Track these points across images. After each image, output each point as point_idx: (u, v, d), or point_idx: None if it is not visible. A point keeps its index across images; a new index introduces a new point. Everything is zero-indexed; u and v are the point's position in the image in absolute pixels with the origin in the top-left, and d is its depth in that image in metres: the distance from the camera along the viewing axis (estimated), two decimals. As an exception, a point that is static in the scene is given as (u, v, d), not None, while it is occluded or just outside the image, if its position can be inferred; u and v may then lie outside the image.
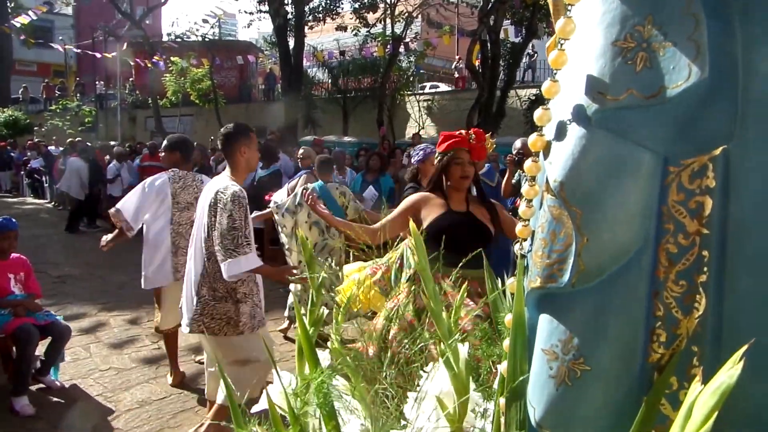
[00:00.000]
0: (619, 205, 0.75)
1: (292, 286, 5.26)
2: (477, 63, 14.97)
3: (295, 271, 3.43)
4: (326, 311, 1.25)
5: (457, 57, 21.79)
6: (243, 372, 3.21)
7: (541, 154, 0.85)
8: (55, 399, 4.18)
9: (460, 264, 1.55)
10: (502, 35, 14.98)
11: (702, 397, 0.59)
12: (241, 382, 3.13)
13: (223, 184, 3.23)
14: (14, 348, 4.11)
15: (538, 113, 0.83)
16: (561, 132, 0.80)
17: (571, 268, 0.78)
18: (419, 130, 16.58)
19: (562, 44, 0.80)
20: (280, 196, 6.47)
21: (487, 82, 14.21)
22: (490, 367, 1.19)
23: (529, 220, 0.88)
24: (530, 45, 17.27)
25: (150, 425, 3.79)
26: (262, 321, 3.35)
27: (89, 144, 14.05)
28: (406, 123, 18.80)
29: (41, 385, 4.26)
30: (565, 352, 0.79)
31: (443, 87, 21.81)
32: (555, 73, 0.81)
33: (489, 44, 14.35)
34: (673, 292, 0.75)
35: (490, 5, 13.60)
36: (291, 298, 5.40)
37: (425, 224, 2.73)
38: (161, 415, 3.92)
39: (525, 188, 0.86)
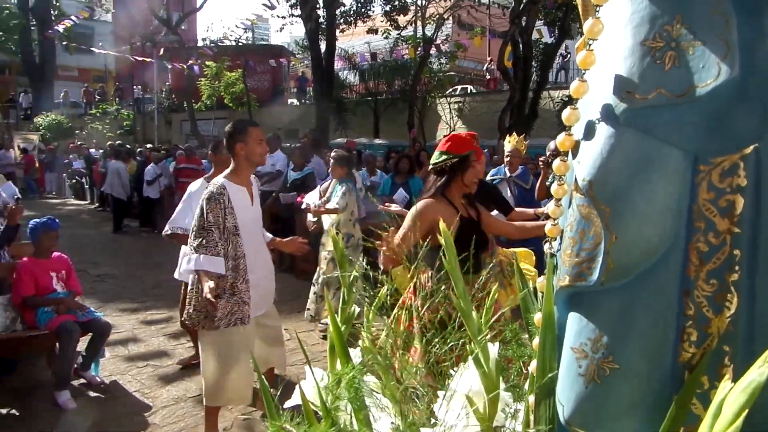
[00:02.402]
0: (648, 204, 0.75)
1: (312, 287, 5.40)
2: (509, 64, 14.86)
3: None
4: (357, 309, 1.28)
5: (488, 58, 21.65)
6: (218, 368, 3.28)
7: (570, 153, 0.86)
8: (94, 394, 4.30)
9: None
10: (535, 36, 14.84)
11: (732, 395, 0.59)
12: (215, 379, 3.28)
13: (213, 182, 3.31)
14: (57, 344, 4.25)
15: (566, 113, 0.84)
16: (589, 131, 0.81)
17: (600, 267, 0.78)
18: (450, 132, 16.54)
19: (590, 44, 0.80)
20: (312, 198, 6.55)
21: (519, 83, 14.10)
22: (521, 368, 1.19)
23: (558, 219, 0.89)
24: (563, 45, 17.06)
25: (185, 422, 3.87)
26: (244, 319, 3.27)
27: (139, 148, 14.44)
28: (437, 125, 18.77)
29: (82, 381, 4.39)
30: (594, 351, 0.79)
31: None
32: (583, 73, 0.82)
33: (521, 45, 14.24)
34: (704, 291, 0.74)
35: (521, 6, 13.49)
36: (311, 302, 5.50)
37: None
38: (196, 412, 4.00)
39: (554, 187, 0.87)
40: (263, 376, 1.19)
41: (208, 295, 2.95)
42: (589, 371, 0.80)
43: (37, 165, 18.59)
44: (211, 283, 2.97)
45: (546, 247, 0.93)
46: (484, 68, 22.20)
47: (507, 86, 15.28)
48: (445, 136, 2.95)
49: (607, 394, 0.79)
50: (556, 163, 0.86)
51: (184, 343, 5.34)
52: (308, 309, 5.57)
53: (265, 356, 3.64)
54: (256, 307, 3.38)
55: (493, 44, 20.91)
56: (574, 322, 0.84)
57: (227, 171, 3.37)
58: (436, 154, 2.88)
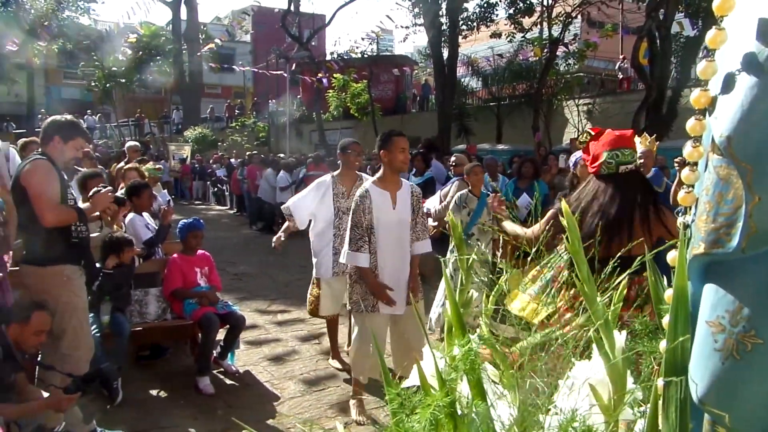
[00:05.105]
0: None
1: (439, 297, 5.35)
2: (645, 62, 13.88)
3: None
4: (475, 294, 1.26)
5: (621, 56, 20.41)
6: (356, 346, 3.86)
7: (706, 113, 0.78)
8: (230, 382, 4.65)
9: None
10: (676, 29, 13.73)
11: None
12: (355, 356, 3.83)
13: (362, 186, 3.80)
14: (199, 333, 4.65)
15: (701, 65, 0.76)
16: (728, 84, 0.73)
17: (741, 232, 0.70)
18: (578, 136, 15.77)
19: (729, -14, 0.72)
20: (432, 203, 6.58)
21: (656, 81, 13.11)
22: (653, 364, 1.10)
23: (693, 186, 0.81)
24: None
25: (310, 413, 4.05)
26: (374, 308, 3.71)
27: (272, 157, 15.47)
28: (564, 128, 18.00)
29: (220, 369, 4.76)
30: (733, 324, 0.71)
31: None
32: (721, 20, 0.74)
33: (658, 40, 13.25)
34: None
35: (659, -2, 12.55)
36: (435, 312, 5.41)
37: None
38: (320, 405, 4.18)
39: (688, 150, 0.79)
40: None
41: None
42: (727, 346, 0.72)
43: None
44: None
45: (680, 219, 0.85)
46: (616, 67, 20.94)
47: (642, 85, 14.29)
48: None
49: (747, 371, 0.70)
50: (691, 122, 0.78)
51: (310, 340, 5.60)
52: (431, 317, 5.53)
53: (399, 360, 3.90)
54: (385, 305, 3.68)
55: (626, 41, 19.68)
56: (710, 293, 0.76)
57: (376, 176, 3.82)
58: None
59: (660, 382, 0.80)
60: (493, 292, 1.18)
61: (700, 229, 0.77)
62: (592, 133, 2.79)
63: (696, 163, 0.80)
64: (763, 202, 0.69)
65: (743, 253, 0.71)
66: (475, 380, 0.90)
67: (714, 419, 0.75)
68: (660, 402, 0.80)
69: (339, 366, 4.83)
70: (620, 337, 1.02)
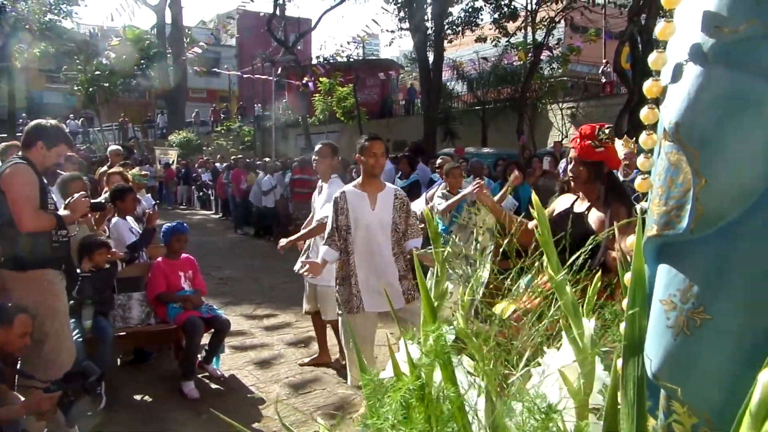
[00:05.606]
0: (741, 143, 0.70)
1: None
2: (627, 66, 14.08)
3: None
4: (451, 287, 1.28)
5: (604, 61, 20.67)
6: (346, 350, 3.96)
7: (658, 102, 0.81)
8: (215, 386, 4.63)
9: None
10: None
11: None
12: (350, 364, 3.81)
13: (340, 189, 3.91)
14: (184, 338, 4.62)
15: (652, 57, 0.80)
16: (677, 74, 0.77)
17: (690, 214, 0.74)
18: (562, 139, 15.95)
19: (676, -19, 0.76)
20: (418, 206, 6.60)
21: (638, 85, 13.30)
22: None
23: (648, 173, 0.85)
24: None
25: (296, 416, 4.05)
26: (358, 309, 3.67)
27: (258, 161, 15.40)
28: (548, 132, 18.18)
29: (205, 373, 4.74)
30: (683, 302, 0.74)
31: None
32: (670, 13, 0.78)
33: (640, 45, 13.45)
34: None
35: (641, 2, 12.74)
36: None
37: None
38: (306, 408, 4.18)
39: (642, 138, 0.83)
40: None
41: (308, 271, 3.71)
42: (678, 322, 0.75)
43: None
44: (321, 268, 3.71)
45: (638, 206, 0.89)
46: (599, 71, 21.19)
47: (624, 89, 14.49)
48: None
49: (697, 346, 0.74)
50: (644, 111, 0.82)
51: (295, 344, 5.60)
52: None
53: None
54: (370, 303, 3.67)
55: (609, 46, 19.95)
56: (664, 274, 0.80)
57: (357, 179, 3.88)
58: None
59: (619, 362, 0.84)
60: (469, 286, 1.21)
61: (653, 212, 0.80)
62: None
63: (651, 151, 0.84)
64: (709, 185, 0.73)
65: (692, 235, 0.75)
66: (445, 365, 0.93)
67: (668, 394, 0.79)
68: (619, 381, 0.83)
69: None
70: (590, 324, 1.06)
